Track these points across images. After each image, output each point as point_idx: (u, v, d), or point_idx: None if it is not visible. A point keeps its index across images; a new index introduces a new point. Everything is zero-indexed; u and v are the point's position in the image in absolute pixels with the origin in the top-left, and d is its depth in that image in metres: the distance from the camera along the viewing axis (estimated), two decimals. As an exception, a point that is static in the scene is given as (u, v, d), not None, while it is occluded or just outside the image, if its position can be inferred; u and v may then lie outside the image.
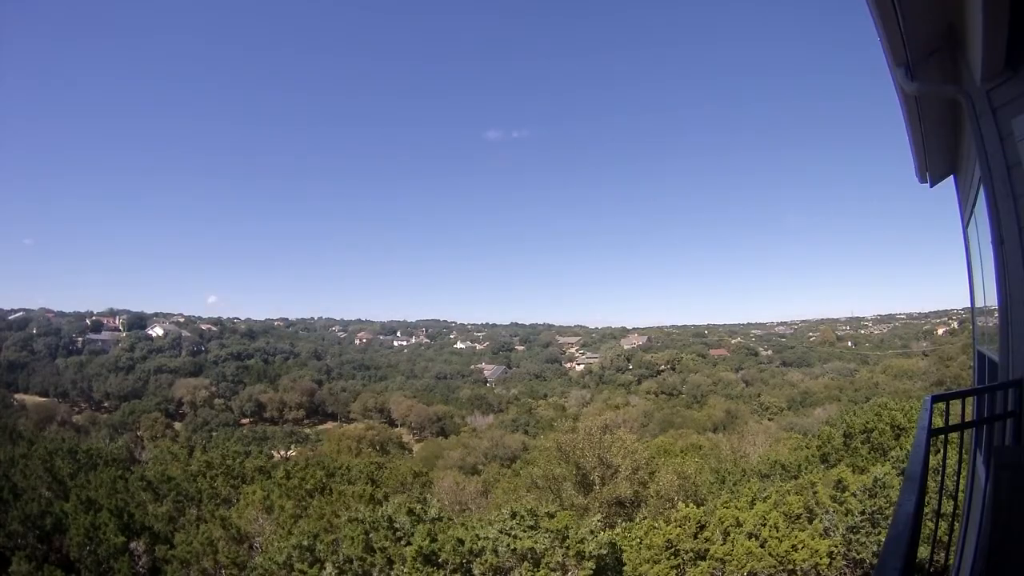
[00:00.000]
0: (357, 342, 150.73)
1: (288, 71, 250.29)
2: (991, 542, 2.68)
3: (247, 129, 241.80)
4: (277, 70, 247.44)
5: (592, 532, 9.66)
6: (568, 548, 9.07)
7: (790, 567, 10.08)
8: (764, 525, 10.70)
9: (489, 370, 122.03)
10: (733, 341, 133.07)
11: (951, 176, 6.24)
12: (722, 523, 11.07)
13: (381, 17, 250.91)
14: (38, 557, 11.50)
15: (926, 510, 3.16)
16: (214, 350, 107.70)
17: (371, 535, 9.38)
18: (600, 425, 17.69)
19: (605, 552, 9.48)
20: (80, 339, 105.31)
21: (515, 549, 8.92)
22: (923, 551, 7.31)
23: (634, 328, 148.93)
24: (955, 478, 8.20)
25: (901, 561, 1.35)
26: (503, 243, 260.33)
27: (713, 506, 12.27)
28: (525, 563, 8.91)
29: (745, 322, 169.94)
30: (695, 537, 10.92)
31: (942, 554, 8.04)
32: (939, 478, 4.46)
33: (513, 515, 9.63)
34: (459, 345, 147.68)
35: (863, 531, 10.28)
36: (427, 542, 8.83)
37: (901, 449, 14.66)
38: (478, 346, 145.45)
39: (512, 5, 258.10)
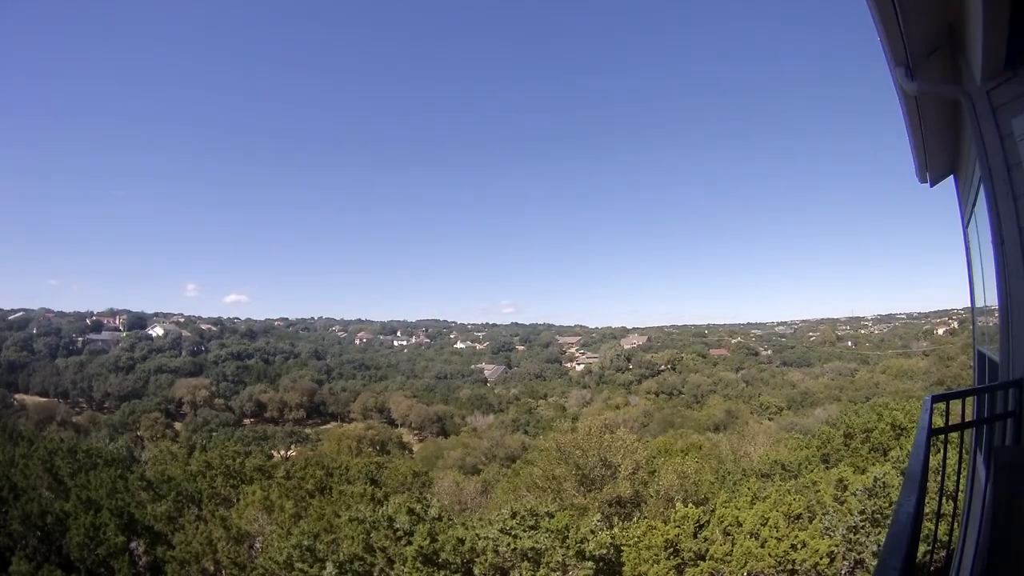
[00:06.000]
0: (357, 342, 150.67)
1: (285, 72, 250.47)
2: (991, 542, 2.68)
3: (246, 130, 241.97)
4: (274, 72, 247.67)
5: (593, 532, 9.67)
6: (568, 548, 9.07)
7: (790, 567, 10.08)
8: (764, 525, 10.69)
9: (489, 370, 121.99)
10: (733, 341, 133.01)
11: (951, 176, 6.23)
12: (722, 523, 11.07)
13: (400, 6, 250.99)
14: (38, 557, 11.49)
15: (926, 510, 3.16)
16: (214, 350, 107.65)
17: (371, 535, 9.38)
18: (600, 424, 17.69)
19: (605, 552, 9.49)
20: (80, 339, 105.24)
21: (515, 548, 8.92)
22: (923, 550, 7.31)
23: (634, 328, 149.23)
24: (955, 478, 8.21)
25: (901, 560, 1.36)
26: (503, 243, 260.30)
27: (713, 505, 12.27)
28: (525, 562, 8.91)
29: (745, 322, 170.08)
30: (694, 536, 10.92)
31: (942, 554, 8.04)
32: (939, 478, 4.46)
33: (513, 515, 9.64)
34: (459, 345, 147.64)
35: (863, 531, 10.28)
36: (427, 542, 8.83)
37: (901, 449, 14.67)
38: (478, 346, 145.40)
39: None
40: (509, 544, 8.95)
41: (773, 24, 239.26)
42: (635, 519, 12.63)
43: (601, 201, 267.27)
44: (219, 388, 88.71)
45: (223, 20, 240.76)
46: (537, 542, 8.97)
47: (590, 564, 9.05)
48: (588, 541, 9.39)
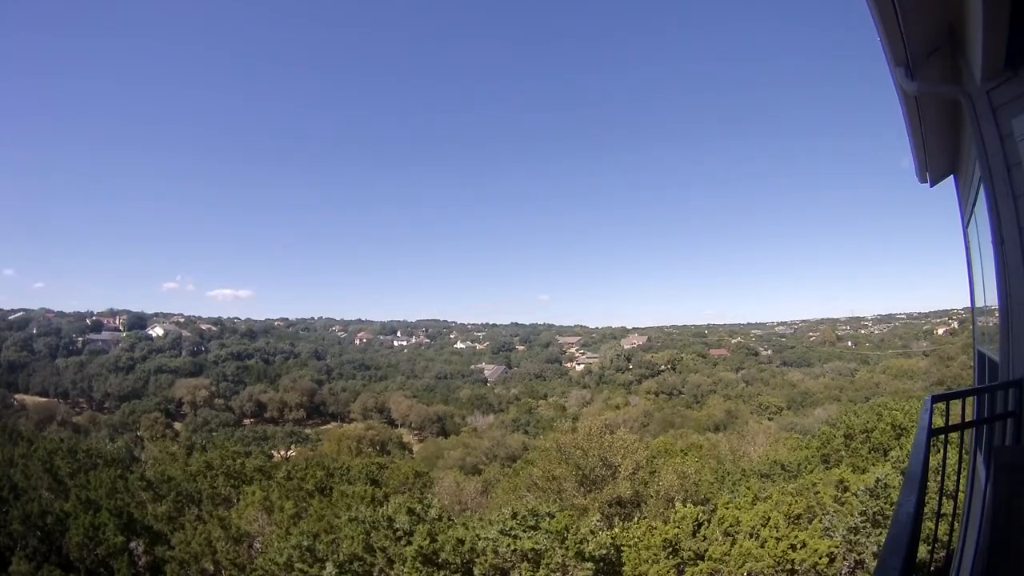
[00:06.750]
0: (357, 342, 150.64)
1: (285, 72, 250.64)
2: (991, 542, 2.68)
3: (246, 130, 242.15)
4: (274, 72, 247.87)
5: (592, 532, 9.66)
6: (568, 548, 9.07)
7: (789, 567, 10.07)
8: (764, 525, 10.69)
9: (489, 370, 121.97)
10: (733, 341, 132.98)
11: (951, 176, 6.23)
12: (722, 523, 11.07)
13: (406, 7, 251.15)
14: (38, 557, 11.49)
15: (926, 510, 3.16)
16: (214, 350, 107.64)
17: (371, 535, 9.38)
18: (600, 425, 17.70)
19: (605, 552, 9.48)
20: (80, 339, 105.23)
21: (515, 549, 8.92)
22: (923, 551, 7.31)
23: (634, 328, 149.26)
24: (955, 478, 8.21)
25: (901, 561, 1.35)
26: (503, 243, 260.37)
27: (713, 505, 12.27)
28: (525, 563, 8.91)
29: (745, 322, 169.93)
30: (693, 536, 10.92)
31: (942, 554, 8.04)
32: (939, 478, 4.45)
33: (514, 515, 9.64)
34: (459, 345, 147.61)
35: (864, 531, 10.28)
36: (427, 542, 8.83)
37: (901, 449, 14.67)
38: (478, 346, 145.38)
39: None
40: (509, 545, 8.95)
41: (773, 24, 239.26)
42: (635, 519, 12.63)
43: (601, 201, 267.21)
44: (219, 388, 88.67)
45: (223, 20, 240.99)
46: (537, 543, 8.97)
47: (590, 565, 9.05)
48: (588, 541, 9.39)
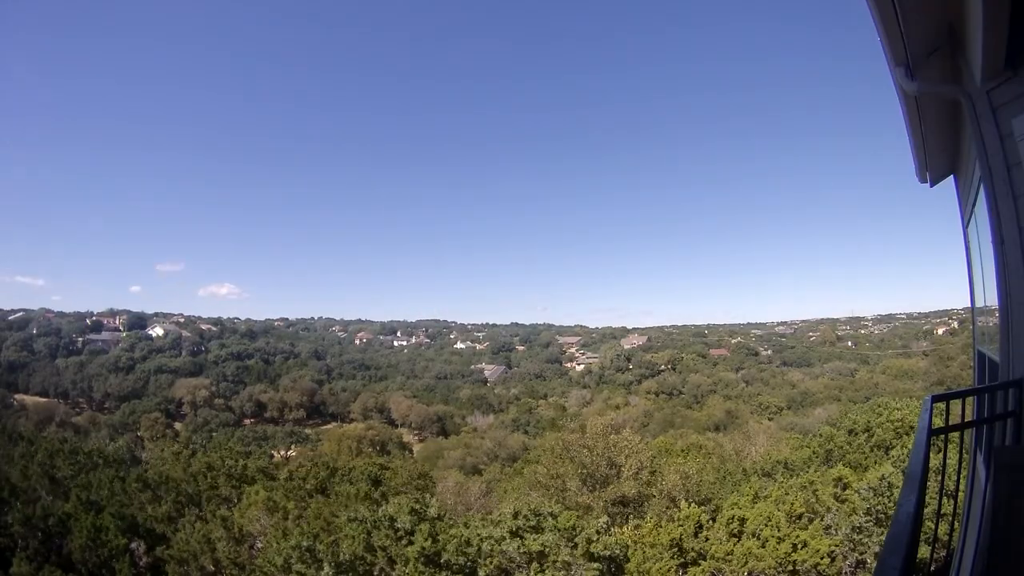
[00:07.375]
0: (357, 342, 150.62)
1: (285, 72, 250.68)
2: (991, 542, 2.68)
3: (246, 130, 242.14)
4: (274, 72, 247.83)
5: (599, 532, 9.65)
6: (576, 547, 9.06)
7: (791, 568, 10.08)
8: (767, 524, 10.69)
9: (489, 370, 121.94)
10: (733, 341, 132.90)
11: (951, 176, 6.23)
12: (728, 523, 11.07)
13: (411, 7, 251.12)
14: (39, 558, 11.49)
15: (926, 510, 3.16)
16: (214, 350, 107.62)
17: (372, 535, 9.37)
18: (606, 425, 17.75)
19: (611, 553, 9.47)
20: (80, 339, 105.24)
21: (520, 549, 8.91)
22: (923, 551, 7.30)
23: (634, 328, 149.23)
24: (955, 478, 8.21)
25: (901, 560, 1.36)
26: (503, 243, 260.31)
27: (716, 505, 12.28)
28: (533, 563, 8.90)
29: (745, 322, 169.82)
30: (696, 536, 10.92)
31: (942, 554, 8.04)
32: (939, 478, 4.46)
33: (516, 515, 9.63)
34: (459, 345, 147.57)
35: (866, 531, 10.27)
36: (429, 542, 8.82)
37: (903, 448, 14.67)
38: (478, 346, 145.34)
39: None
40: (518, 547, 8.93)
41: (773, 24, 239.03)
42: (646, 519, 12.64)
43: (601, 201, 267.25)
44: (219, 388, 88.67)
45: (223, 20, 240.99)
46: (544, 544, 8.95)
47: (596, 565, 9.03)
48: (595, 541, 9.37)
